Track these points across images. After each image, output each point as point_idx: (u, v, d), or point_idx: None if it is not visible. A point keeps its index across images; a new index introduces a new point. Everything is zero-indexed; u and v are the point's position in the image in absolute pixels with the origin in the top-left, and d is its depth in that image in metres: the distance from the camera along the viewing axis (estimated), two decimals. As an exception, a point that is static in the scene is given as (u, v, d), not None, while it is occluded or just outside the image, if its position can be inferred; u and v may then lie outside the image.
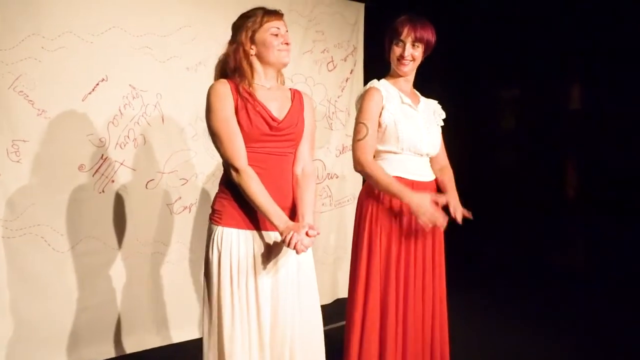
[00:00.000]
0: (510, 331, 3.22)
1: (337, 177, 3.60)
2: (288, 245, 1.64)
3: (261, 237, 1.75)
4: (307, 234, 1.65)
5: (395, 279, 2.09)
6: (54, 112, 2.45)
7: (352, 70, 3.60)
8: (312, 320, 1.82)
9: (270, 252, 1.75)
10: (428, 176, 2.20)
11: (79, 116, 2.52)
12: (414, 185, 2.10)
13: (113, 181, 2.64)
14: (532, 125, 4.70)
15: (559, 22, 4.20)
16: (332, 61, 3.49)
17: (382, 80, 2.19)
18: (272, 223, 1.69)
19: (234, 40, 1.79)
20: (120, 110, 2.64)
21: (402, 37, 2.11)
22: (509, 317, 3.46)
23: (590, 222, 4.35)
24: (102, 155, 2.60)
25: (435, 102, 2.31)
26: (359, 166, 2.08)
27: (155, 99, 2.74)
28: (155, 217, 2.79)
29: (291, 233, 1.64)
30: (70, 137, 2.50)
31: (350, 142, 3.53)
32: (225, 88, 1.71)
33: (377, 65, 3.78)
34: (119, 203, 2.67)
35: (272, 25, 1.75)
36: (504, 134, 4.98)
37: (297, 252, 1.66)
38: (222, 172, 1.79)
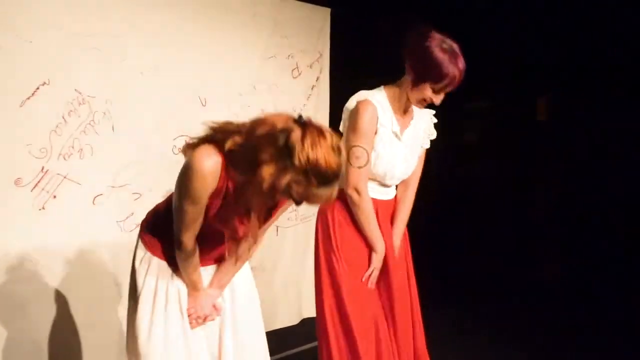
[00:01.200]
0: (490, 347, 3.12)
1: (302, 190, 3.42)
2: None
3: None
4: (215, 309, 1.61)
5: (363, 289, 2.00)
6: (-15, 119, 2.17)
7: (318, 78, 3.44)
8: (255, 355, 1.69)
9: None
10: (390, 195, 2.12)
11: (16, 124, 2.24)
12: (377, 203, 2.04)
13: (55, 197, 2.36)
14: (501, 137, 4.68)
15: (527, 32, 4.18)
16: (297, 68, 3.31)
17: (378, 95, 1.96)
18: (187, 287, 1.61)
19: (284, 163, 1.24)
20: (64, 117, 2.37)
21: (444, 86, 1.86)
22: (488, 334, 3.37)
23: (565, 234, 4.33)
24: (43, 167, 2.32)
25: (431, 113, 2.14)
26: (355, 193, 1.94)
27: (104, 106, 2.49)
28: (103, 237, 2.52)
29: (192, 310, 1.59)
30: (5, 147, 2.21)
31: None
32: (215, 171, 1.35)
33: (344, 72, 3.68)
34: (62, 221, 2.38)
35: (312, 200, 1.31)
36: (473, 145, 4.95)
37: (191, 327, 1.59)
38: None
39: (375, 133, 1.93)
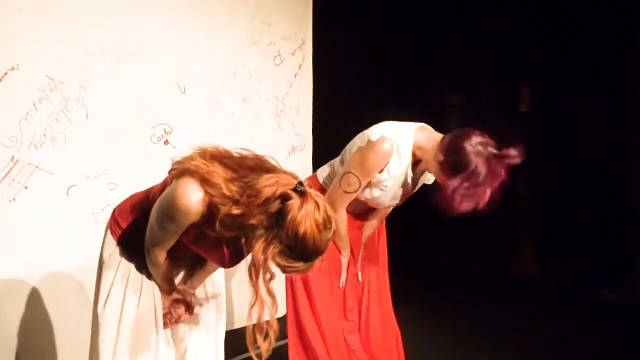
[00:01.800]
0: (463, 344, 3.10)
1: (285, 180, 3.35)
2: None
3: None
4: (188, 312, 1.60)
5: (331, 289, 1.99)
6: (-50, 105, 2.06)
7: (300, 65, 3.36)
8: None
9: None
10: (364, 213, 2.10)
11: (-17, 111, 2.13)
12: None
13: (26, 187, 2.26)
14: (483, 129, 4.65)
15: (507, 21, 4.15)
16: (280, 55, 3.23)
17: (408, 137, 1.83)
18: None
19: (272, 232, 1.22)
20: (34, 104, 2.26)
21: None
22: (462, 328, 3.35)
23: (543, 226, 4.34)
24: (13, 157, 2.22)
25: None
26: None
27: (77, 92, 2.38)
28: (78, 228, 2.43)
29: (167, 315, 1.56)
30: (-29, 135, 2.11)
31: (300, 142, 3.38)
32: (198, 209, 1.31)
33: (327, 60, 3.61)
34: (34, 213, 2.29)
35: (290, 269, 1.27)
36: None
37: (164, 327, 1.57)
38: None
39: (380, 172, 1.85)
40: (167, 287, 1.55)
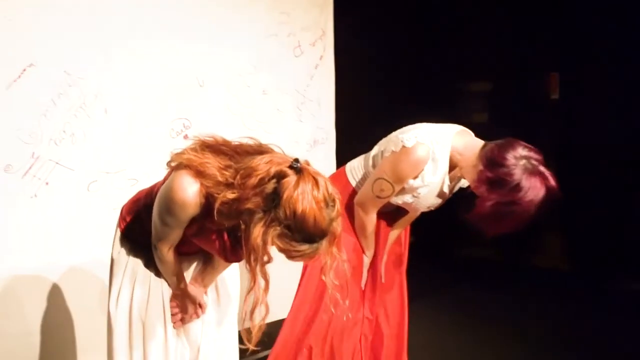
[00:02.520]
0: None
1: (308, 174, 3.29)
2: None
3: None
4: (197, 314, 1.53)
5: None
6: (-30, 103, 2.07)
7: (321, 57, 3.29)
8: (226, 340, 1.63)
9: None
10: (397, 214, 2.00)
11: (3, 108, 2.14)
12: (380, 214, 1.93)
13: (47, 183, 2.27)
14: (505, 118, 4.51)
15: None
16: (300, 46, 3.17)
17: (445, 143, 1.71)
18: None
19: (269, 215, 1.15)
20: (53, 100, 2.26)
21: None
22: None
23: (566, 216, 4.18)
24: (33, 153, 2.23)
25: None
26: (362, 210, 1.85)
27: (96, 88, 2.38)
28: (99, 224, 2.42)
29: (176, 310, 1.52)
30: (-8, 132, 2.13)
31: (322, 135, 3.31)
32: (195, 201, 1.27)
33: (348, 51, 3.53)
34: (55, 209, 2.29)
35: (293, 253, 1.20)
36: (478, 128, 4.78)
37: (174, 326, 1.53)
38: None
39: (415, 178, 1.74)
40: (176, 285, 1.51)
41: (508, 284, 3.93)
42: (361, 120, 3.69)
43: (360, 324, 1.96)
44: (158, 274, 1.51)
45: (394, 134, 1.82)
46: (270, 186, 1.13)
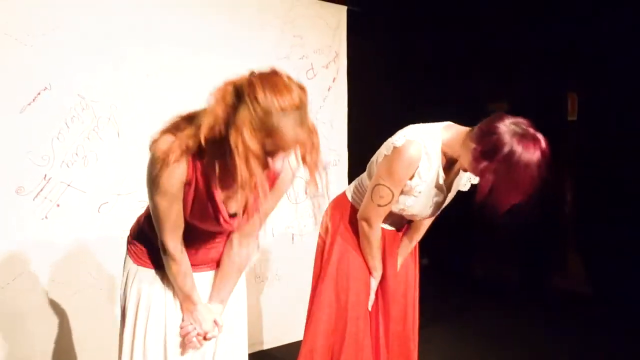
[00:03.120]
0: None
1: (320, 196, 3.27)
2: (181, 335, 1.46)
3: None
4: (205, 338, 1.45)
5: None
6: (-16, 126, 2.10)
7: (334, 79, 3.29)
8: None
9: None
10: (401, 227, 1.97)
11: (17, 131, 2.17)
12: (385, 234, 1.91)
13: (58, 205, 2.28)
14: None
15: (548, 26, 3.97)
16: (312, 68, 3.18)
17: (435, 137, 1.70)
18: (181, 302, 1.48)
19: (237, 113, 1.16)
20: (66, 123, 2.29)
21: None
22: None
23: (588, 239, 4.08)
24: (45, 175, 2.25)
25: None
26: (365, 224, 1.82)
27: (109, 111, 2.40)
28: (109, 246, 2.43)
29: (191, 327, 1.45)
30: (6, 155, 2.15)
31: (334, 157, 3.30)
32: (180, 160, 1.26)
33: (361, 73, 3.53)
34: (66, 231, 2.30)
35: (273, 146, 1.19)
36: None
37: (185, 346, 1.46)
38: None
39: (411, 178, 1.73)
40: (191, 296, 1.45)
41: (527, 306, 3.84)
42: (374, 142, 3.66)
43: (368, 347, 1.90)
44: (165, 280, 1.47)
45: (384, 143, 1.83)
46: (231, 99, 1.16)
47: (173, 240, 1.37)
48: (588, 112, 4.13)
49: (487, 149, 1.54)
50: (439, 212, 1.90)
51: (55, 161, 2.27)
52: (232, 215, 1.38)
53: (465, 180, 1.91)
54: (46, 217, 2.26)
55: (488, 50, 4.14)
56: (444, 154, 1.71)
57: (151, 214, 1.38)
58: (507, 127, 1.54)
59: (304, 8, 3.09)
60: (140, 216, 1.55)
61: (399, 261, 1.96)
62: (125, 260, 1.53)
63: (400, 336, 1.95)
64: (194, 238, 1.42)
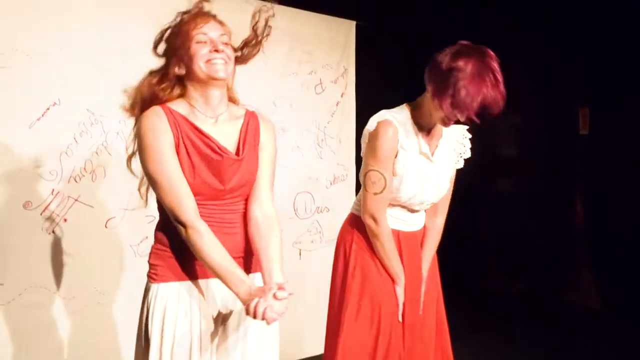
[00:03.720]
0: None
1: (327, 211, 3.25)
2: (255, 317, 1.30)
3: (211, 285, 1.45)
4: (275, 296, 1.31)
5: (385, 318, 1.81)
6: (-6, 141, 2.11)
7: (343, 94, 3.29)
8: None
9: (221, 301, 1.46)
10: (417, 225, 1.92)
11: (25, 145, 2.18)
12: (399, 235, 1.85)
13: (66, 220, 2.28)
14: (540, 152, 4.41)
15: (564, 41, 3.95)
16: (321, 84, 3.18)
17: (402, 113, 1.79)
18: (230, 289, 1.36)
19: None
20: (75, 138, 2.30)
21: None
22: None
23: (602, 255, 4.02)
24: (53, 190, 2.25)
25: (462, 129, 1.93)
26: (371, 221, 1.79)
27: (117, 126, 2.41)
28: (116, 261, 2.42)
29: (255, 300, 1.30)
30: (14, 169, 2.16)
31: (342, 172, 3.29)
32: (160, 120, 1.38)
33: (370, 88, 3.52)
34: (73, 246, 2.30)
35: (198, 32, 1.42)
36: (507, 163, 4.68)
37: (268, 323, 1.31)
38: None
39: (396, 156, 1.76)
40: (238, 277, 1.35)
41: (537, 320, 3.78)
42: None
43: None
44: (191, 294, 1.43)
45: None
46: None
47: (187, 209, 1.36)
48: (600, 127, 4.09)
49: (438, 78, 1.64)
50: (444, 205, 1.92)
51: (64, 176, 2.27)
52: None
53: (454, 154, 1.91)
54: (53, 232, 2.26)
55: (502, 63, 4.13)
56: (417, 123, 1.78)
57: (154, 190, 1.42)
58: (447, 51, 1.65)
59: (313, 24, 3.10)
60: (155, 233, 1.53)
61: (425, 267, 1.90)
62: (145, 288, 1.49)
63: (436, 347, 1.90)
64: (209, 222, 1.40)
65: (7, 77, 2.12)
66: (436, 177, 1.84)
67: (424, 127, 1.80)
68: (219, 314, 1.47)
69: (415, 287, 1.87)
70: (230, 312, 1.47)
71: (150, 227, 2.50)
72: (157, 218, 2.52)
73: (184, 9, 1.49)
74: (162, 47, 1.50)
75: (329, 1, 3.11)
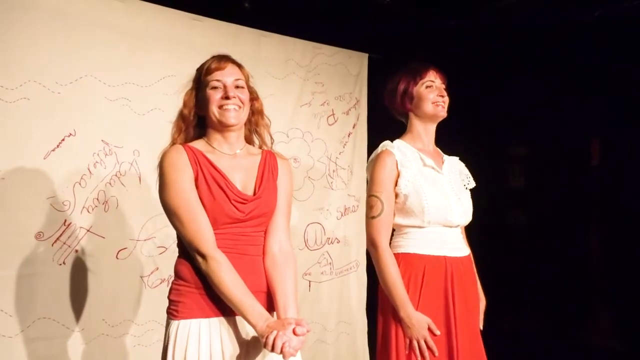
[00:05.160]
0: None
1: (338, 242, 3.22)
2: (272, 350, 1.30)
3: (232, 323, 1.44)
4: (294, 332, 1.32)
5: None
6: (8, 171, 2.11)
7: (354, 125, 3.30)
8: None
9: (244, 340, 1.44)
10: (462, 250, 1.86)
11: (39, 176, 2.18)
12: (447, 261, 1.78)
13: (77, 251, 2.27)
14: (550, 182, 4.37)
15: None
16: (333, 114, 3.19)
17: (397, 141, 1.89)
18: (248, 321, 1.36)
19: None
20: (89, 169, 2.30)
21: (431, 77, 1.88)
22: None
23: (619, 289, 3.94)
24: (65, 220, 2.24)
25: (457, 159, 2.00)
26: (372, 248, 1.79)
27: (131, 157, 2.42)
28: (126, 293, 2.40)
29: (274, 333, 1.30)
30: (26, 200, 2.15)
31: (353, 203, 3.27)
32: (181, 156, 1.44)
33: (381, 119, 3.52)
34: (83, 276, 2.28)
35: (212, 78, 1.50)
36: (515, 193, 4.64)
37: (285, 357, 1.31)
38: None
39: (398, 177, 1.79)
40: (258, 310, 1.36)
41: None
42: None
43: None
44: (212, 330, 1.41)
45: None
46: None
47: (206, 240, 1.39)
48: (612, 158, 4.05)
49: (389, 91, 1.95)
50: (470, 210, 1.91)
51: (77, 206, 2.27)
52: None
53: (461, 175, 1.95)
54: (64, 263, 2.24)
55: (507, 94, 4.13)
56: (414, 146, 1.88)
57: (173, 225, 1.45)
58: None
59: (327, 56, 3.12)
60: (175, 268, 1.52)
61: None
62: (166, 324, 1.48)
63: None
64: (229, 256, 1.42)
65: (25, 108, 2.14)
66: (453, 188, 1.85)
67: (423, 145, 1.89)
68: (240, 353, 1.45)
69: (470, 317, 1.81)
70: (251, 351, 1.46)
71: (161, 258, 2.51)
72: (168, 249, 2.53)
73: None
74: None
75: (342, 34, 3.13)
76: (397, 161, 1.80)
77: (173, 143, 1.55)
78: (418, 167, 1.82)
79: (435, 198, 1.78)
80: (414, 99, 1.88)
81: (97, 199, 2.33)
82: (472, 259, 1.93)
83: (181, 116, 1.56)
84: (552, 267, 4.28)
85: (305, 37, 3.02)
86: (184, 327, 1.41)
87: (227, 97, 1.47)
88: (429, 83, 1.87)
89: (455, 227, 1.84)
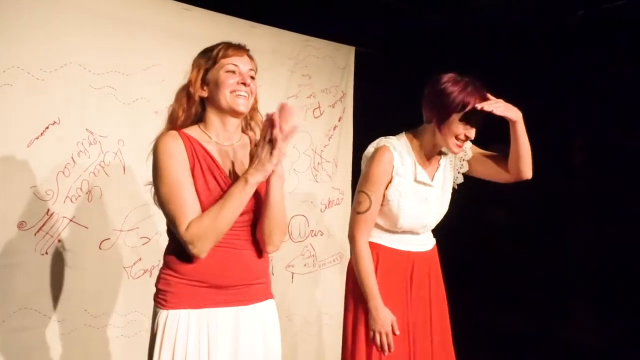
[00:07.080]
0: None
1: (322, 235, 3.24)
2: (273, 133, 1.39)
3: (222, 314, 1.46)
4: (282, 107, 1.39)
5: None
6: (-10, 159, 2.08)
7: (340, 118, 3.31)
8: None
9: (231, 332, 1.47)
10: (427, 244, 1.95)
11: (22, 165, 2.14)
12: (410, 256, 1.88)
13: (59, 241, 2.25)
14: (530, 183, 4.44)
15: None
16: (319, 107, 3.19)
17: (401, 140, 1.87)
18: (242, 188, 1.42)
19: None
20: (73, 158, 2.27)
21: (471, 112, 1.75)
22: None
23: (600, 290, 4.03)
24: (48, 210, 2.21)
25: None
26: (351, 242, 1.84)
27: (116, 146, 2.39)
28: (109, 283, 2.38)
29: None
30: (9, 189, 2.11)
31: (338, 196, 3.29)
32: (177, 143, 1.42)
33: (367, 112, 3.54)
34: (65, 267, 2.26)
35: (229, 62, 1.46)
36: (499, 191, 4.70)
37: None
38: None
39: (390, 182, 1.82)
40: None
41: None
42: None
43: None
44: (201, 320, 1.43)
45: None
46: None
47: (190, 220, 1.39)
48: (594, 158, 4.13)
49: (436, 99, 1.77)
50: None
51: (60, 196, 2.24)
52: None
53: (452, 172, 1.96)
54: (46, 253, 2.22)
55: (497, 91, 4.18)
56: (416, 152, 1.85)
57: (165, 213, 1.42)
58: (448, 77, 1.79)
59: (314, 49, 3.11)
60: (165, 257, 1.52)
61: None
62: (153, 313, 1.49)
63: None
64: (221, 250, 1.43)
65: (9, 94, 2.09)
66: (436, 198, 1.89)
67: (422, 155, 1.88)
68: (229, 344, 1.46)
69: (422, 307, 1.88)
70: (241, 343, 1.47)
71: (144, 249, 2.50)
72: (151, 240, 2.52)
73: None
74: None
75: (329, 27, 3.13)
76: (394, 167, 1.81)
77: (172, 125, 1.51)
78: (410, 179, 1.83)
79: (413, 214, 1.83)
80: (444, 123, 1.78)
81: (81, 189, 2.30)
82: (437, 250, 1.99)
83: (187, 95, 1.50)
84: (535, 265, 4.37)
85: (294, 29, 3.01)
86: (173, 317, 1.42)
87: (243, 84, 1.46)
88: (468, 116, 1.77)
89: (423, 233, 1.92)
